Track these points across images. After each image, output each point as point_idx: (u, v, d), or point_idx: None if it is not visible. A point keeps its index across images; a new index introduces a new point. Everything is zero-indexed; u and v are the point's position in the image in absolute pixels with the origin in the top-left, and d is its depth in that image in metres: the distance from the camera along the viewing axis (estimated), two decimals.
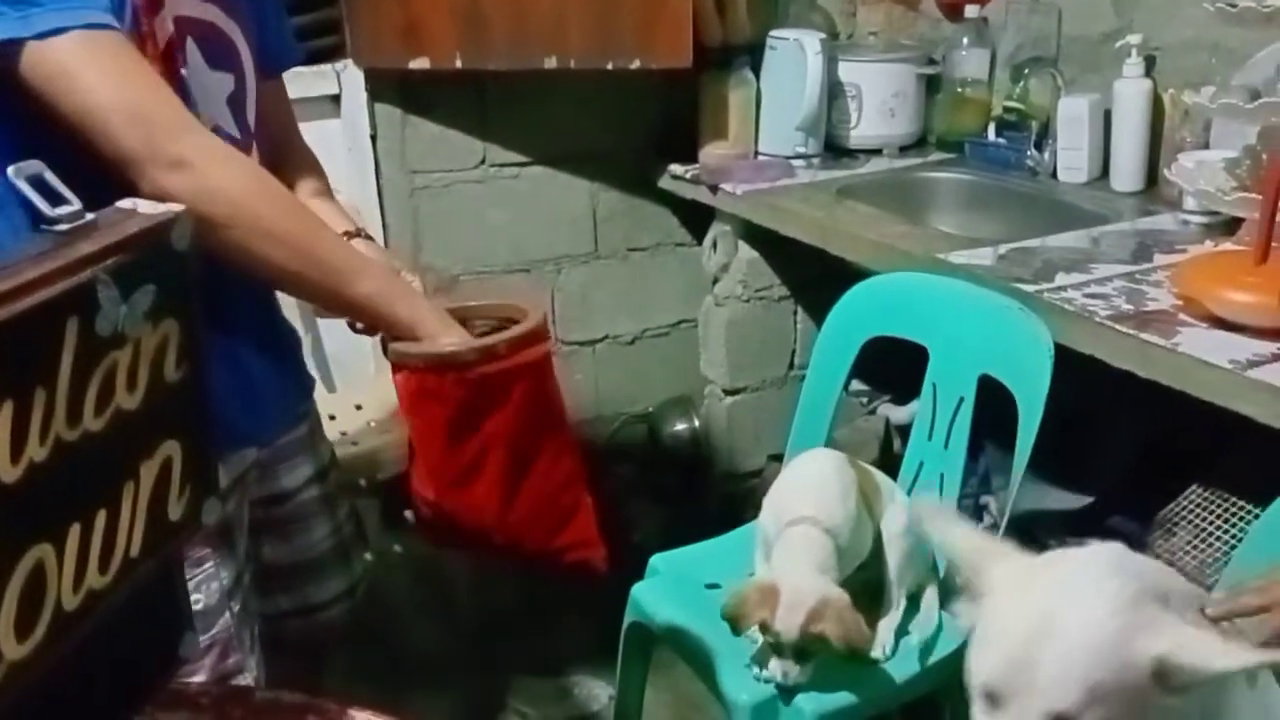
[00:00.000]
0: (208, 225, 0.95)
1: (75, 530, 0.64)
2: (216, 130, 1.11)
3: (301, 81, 2.23)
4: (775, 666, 1.40)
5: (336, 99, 2.29)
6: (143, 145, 0.98)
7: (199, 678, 1.14)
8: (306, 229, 1.11)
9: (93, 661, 0.70)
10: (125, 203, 0.71)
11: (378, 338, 1.22)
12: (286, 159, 1.31)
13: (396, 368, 1.16)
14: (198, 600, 1.12)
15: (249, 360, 1.19)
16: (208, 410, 0.75)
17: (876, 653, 1.47)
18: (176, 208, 0.70)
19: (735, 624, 1.40)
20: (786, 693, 1.43)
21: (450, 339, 1.14)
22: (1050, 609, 0.86)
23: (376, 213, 2.32)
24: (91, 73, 0.97)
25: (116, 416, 0.66)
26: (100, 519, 0.67)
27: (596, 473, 2.70)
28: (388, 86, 2.28)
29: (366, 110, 2.29)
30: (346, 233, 1.30)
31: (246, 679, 1.18)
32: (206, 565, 1.14)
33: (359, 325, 1.25)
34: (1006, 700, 0.86)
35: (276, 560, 1.30)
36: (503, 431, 1.18)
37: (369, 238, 1.36)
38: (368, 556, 1.44)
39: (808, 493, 1.50)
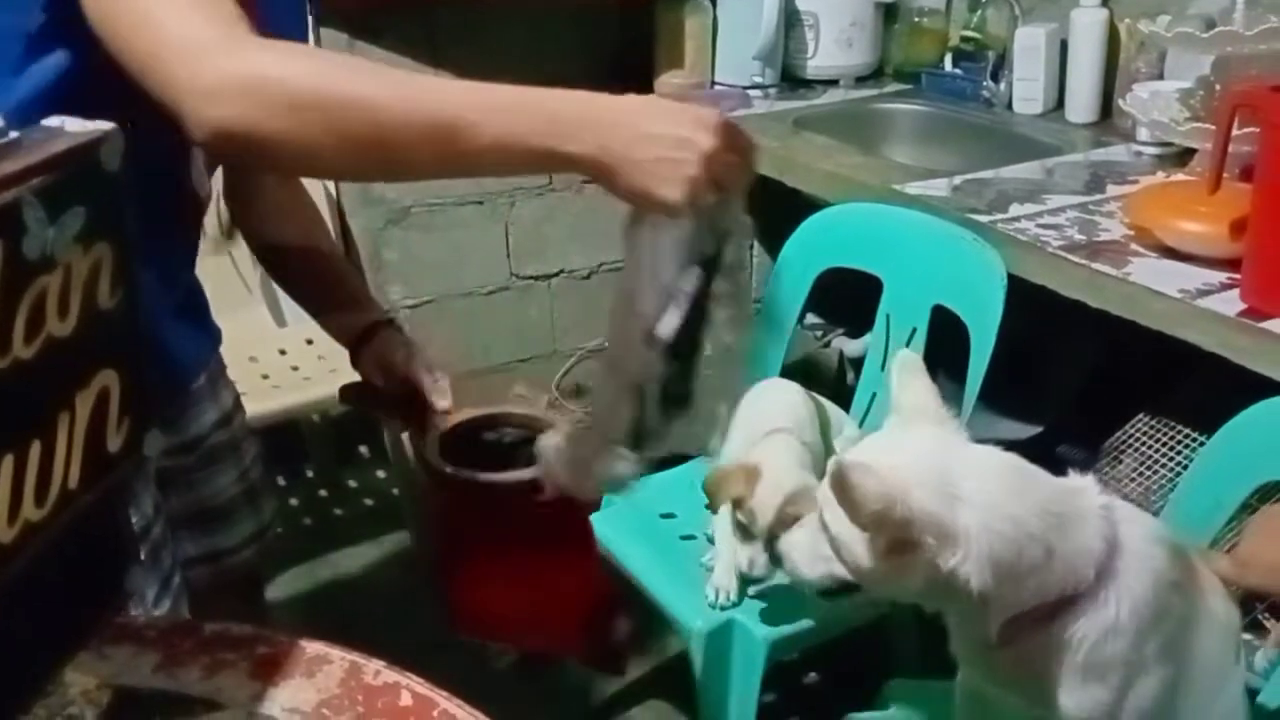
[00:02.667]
0: (286, 143, 0.82)
1: (8, 462, 0.62)
2: None
3: None
4: (742, 555, 1.40)
5: None
6: (181, 79, 0.83)
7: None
8: (408, 82, 0.87)
9: (33, 596, 0.68)
10: (52, 120, 0.67)
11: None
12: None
13: (430, 480, 1.12)
14: None
15: (163, 320, 1.12)
16: (145, 339, 0.73)
17: None
18: (106, 126, 0.67)
19: (712, 497, 1.40)
20: (747, 594, 1.46)
21: (621, 187, 0.90)
22: (898, 442, 0.98)
23: None
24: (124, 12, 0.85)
25: (48, 345, 0.64)
26: (34, 450, 0.64)
27: (552, 405, 2.68)
28: (334, 10, 2.21)
29: (311, 35, 2.22)
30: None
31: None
32: None
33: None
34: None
35: (184, 509, 1.24)
36: (536, 547, 1.14)
37: (393, 323, 1.27)
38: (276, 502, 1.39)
39: (781, 411, 1.52)
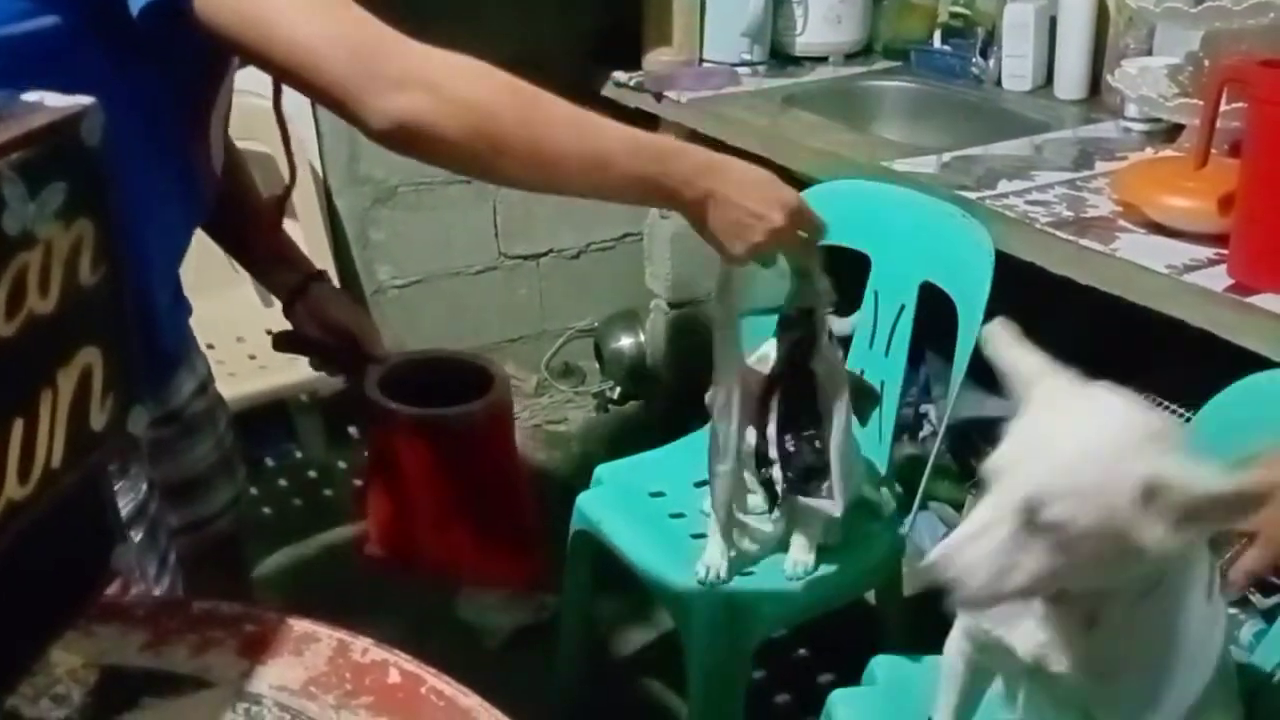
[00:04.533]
0: (460, 145, 0.94)
1: None
2: None
3: None
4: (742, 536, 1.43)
5: None
6: (358, 73, 0.91)
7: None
8: (574, 117, 1.03)
9: (18, 575, 0.68)
10: (31, 95, 0.66)
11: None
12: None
13: (371, 418, 1.22)
14: None
15: (161, 298, 1.13)
16: (129, 315, 0.73)
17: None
18: (86, 100, 0.66)
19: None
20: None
21: (706, 229, 1.10)
22: (1064, 416, 0.92)
23: (311, 121, 2.25)
24: (290, 8, 0.91)
25: (29, 322, 0.63)
26: (17, 429, 0.64)
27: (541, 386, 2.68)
28: None
29: None
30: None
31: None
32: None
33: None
34: (999, 480, 0.90)
35: (167, 480, 1.24)
36: (471, 480, 1.22)
37: (323, 277, 1.33)
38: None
39: None
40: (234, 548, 1.40)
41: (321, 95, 0.93)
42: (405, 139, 0.93)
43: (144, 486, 1.11)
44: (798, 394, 1.35)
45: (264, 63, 0.93)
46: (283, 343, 1.31)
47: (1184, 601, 0.97)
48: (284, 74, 0.94)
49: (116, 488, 1.05)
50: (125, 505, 1.08)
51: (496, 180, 1.04)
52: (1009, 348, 1.00)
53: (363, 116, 0.92)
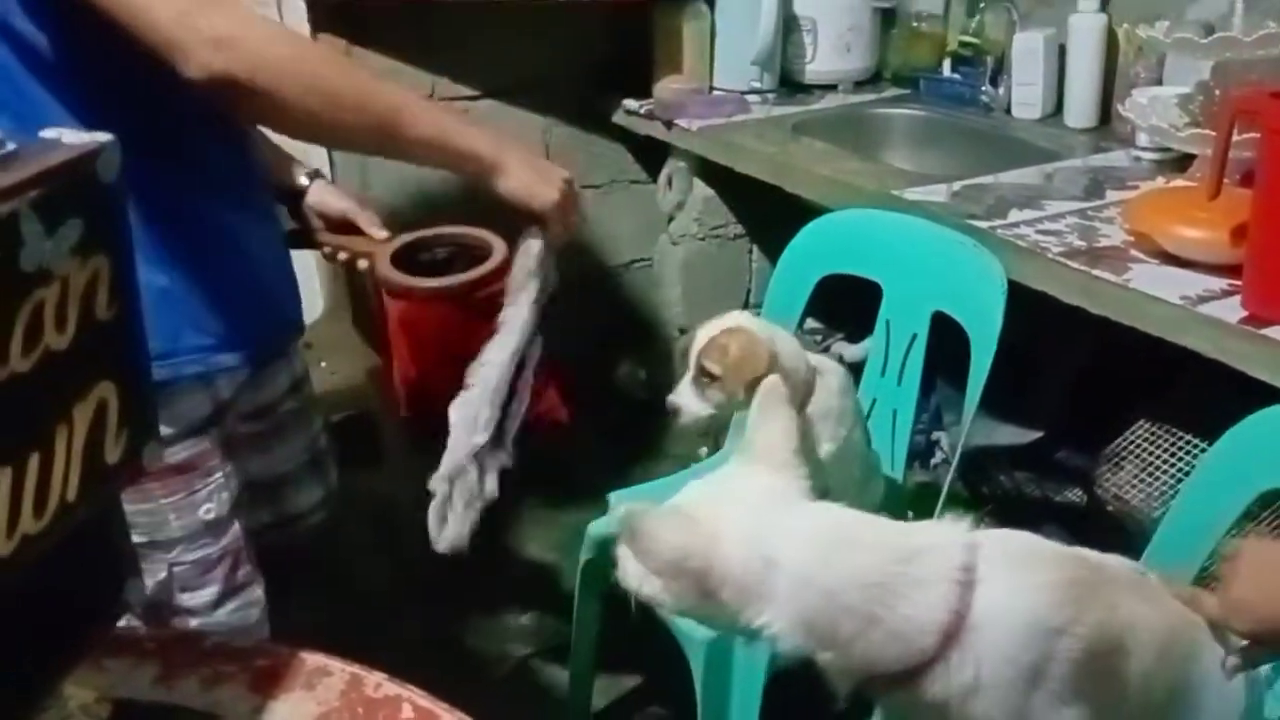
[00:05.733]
0: (265, 96, 1.02)
1: (6, 474, 0.62)
2: None
3: None
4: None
5: None
6: (181, 28, 0.99)
7: (211, 589, 1.19)
8: (359, 81, 1.12)
9: (31, 608, 0.68)
10: (50, 132, 0.67)
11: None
12: None
13: (391, 294, 1.30)
14: (209, 510, 1.18)
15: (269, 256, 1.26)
16: (145, 350, 0.73)
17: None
18: (103, 137, 0.67)
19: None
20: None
21: (509, 181, 1.21)
22: None
23: (323, 149, 2.26)
24: None
25: (45, 357, 0.63)
26: (33, 462, 0.64)
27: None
28: (331, 15, 2.21)
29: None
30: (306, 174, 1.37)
31: (257, 591, 1.24)
32: (216, 475, 1.19)
33: (340, 255, 1.34)
34: None
35: (259, 474, 1.33)
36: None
37: (319, 175, 1.39)
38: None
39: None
40: (321, 547, 1.47)
41: (150, 47, 1.00)
42: (223, 89, 1.02)
43: (237, 482, 1.22)
44: None
45: (98, 10, 0.99)
46: (293, 241, 1.37)
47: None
48: (116, 23, 0.99)
49: (213, 483, 1.17)
50: (224, 499, 1.20)
51: (324, 138, 1.18)
52: (773, 412, 1.00)
53: (186, 69, 1.00)
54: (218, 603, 1.20)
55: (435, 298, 1.29)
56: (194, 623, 1.18)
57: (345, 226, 1.36)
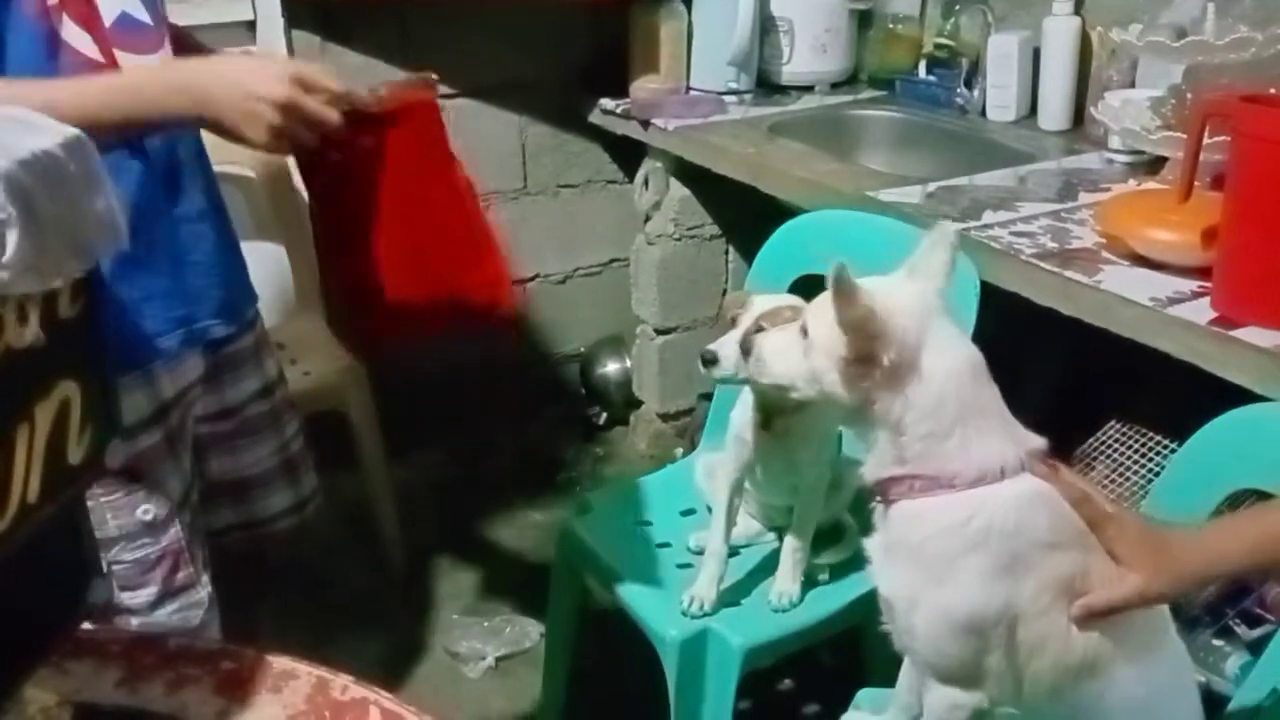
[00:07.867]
0: None
1: None
2: (124, 17, 1.08)
3: (214, 6, 2.15)
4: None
5: (251, 25, 2.21)
6: None
7: (150, 590, 1.18)
8: (23, 84, 1.00)
9: None
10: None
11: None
12: None
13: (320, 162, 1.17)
14: (148, 511, 1.16)
15: (198, 239, 1.19)
16: (106, 349, 0.72)
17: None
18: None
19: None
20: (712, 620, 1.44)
21: (223, 130, 1.07)
22: None
23: None
24: None
25: (6, 355, 0.62)
26: None
27: (527, 412, 2.66)
28: (305, 12, 2.20)
29: (284, 37, 2.20)
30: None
31: (199, 594, 1.22)
32: (157, 476, 1.16)
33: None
34: None
35: (223, 475, 1.32)
36: (402, 177, 1.20)
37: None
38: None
39: None
40: (292, 549, 1.45)
41: None
42: None
43: (178, 483, 1.18)
44: None
45: None
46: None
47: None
48: None
49: (153, 484, 1.15)
50: (164, 501, 1.17)
51: None
52: (939, 248, 1.08)
53: None
54: (156, 603, 1.19)
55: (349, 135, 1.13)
56: (134, 622, 1.16)
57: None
